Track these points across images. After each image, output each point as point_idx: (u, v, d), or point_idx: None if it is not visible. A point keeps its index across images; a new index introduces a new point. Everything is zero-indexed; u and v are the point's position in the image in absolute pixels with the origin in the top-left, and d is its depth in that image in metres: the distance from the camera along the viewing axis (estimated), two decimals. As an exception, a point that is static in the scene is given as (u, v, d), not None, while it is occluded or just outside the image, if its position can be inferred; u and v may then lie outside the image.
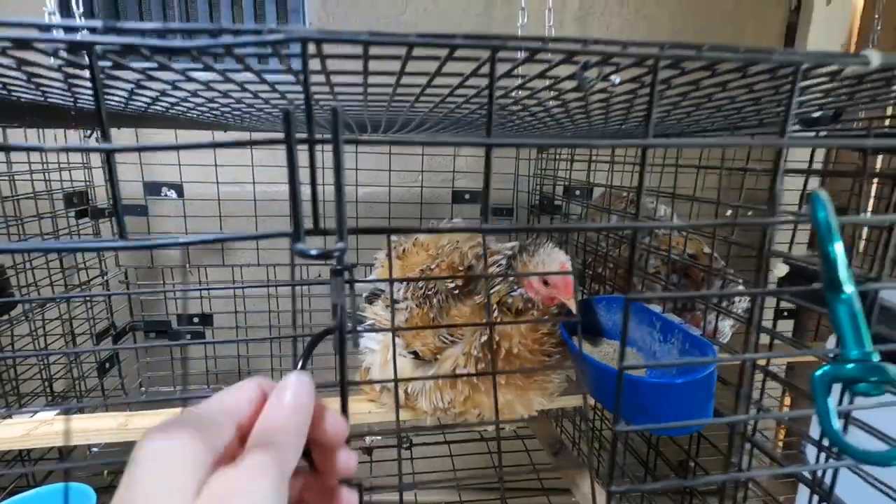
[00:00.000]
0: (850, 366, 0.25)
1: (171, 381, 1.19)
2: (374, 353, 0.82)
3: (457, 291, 0.72)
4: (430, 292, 0.76)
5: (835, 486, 0.40)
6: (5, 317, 0.80)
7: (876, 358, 0.25)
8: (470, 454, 1.03)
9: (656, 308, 0.67)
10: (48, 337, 0.92)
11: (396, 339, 0.75)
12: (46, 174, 0.92)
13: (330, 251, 0.21)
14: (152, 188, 1.09)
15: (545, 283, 0.65)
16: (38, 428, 0.73)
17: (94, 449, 0.97)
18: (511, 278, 0.67)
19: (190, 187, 1.12)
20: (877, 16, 1.36)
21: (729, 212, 0.57)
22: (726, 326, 0.81)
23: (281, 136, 0.20)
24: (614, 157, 0.84)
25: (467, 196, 1.23)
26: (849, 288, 0.25)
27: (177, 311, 1.19)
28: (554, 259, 0.65)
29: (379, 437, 1.02)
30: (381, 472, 0.97)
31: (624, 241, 0.86)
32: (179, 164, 1.09)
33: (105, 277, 1.09)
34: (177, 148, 0.22)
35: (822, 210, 0.25)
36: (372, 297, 0.87)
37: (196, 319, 1.17)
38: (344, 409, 0.28)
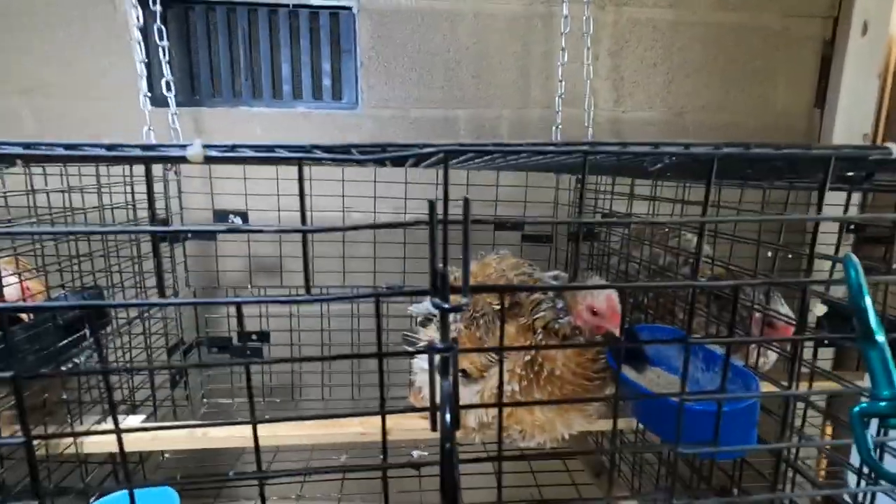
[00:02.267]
0: (883, 404, 0.29)
1: (230, 393, 1.28)
2: (426, 372, 0.88)
3: (499, 313, 0.78)
4: (476, 314, 0.83)
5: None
6: (104, 331, 0.91)
7: None
8: (513, 472, 1.07)
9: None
10: (133, 350, 1.03)
11: (448, 361, 0.81)
12: (135, 206, 1.04)
13: (458, 305, 0.27)
14: (220, 216, 1.20)
15: (593, 313, 0.71)
16: (128, 434, 0.82)
17: (166, 455, 1.07)
18: (559, 306, 0.73)
19: (254, 214, 1.22)
20: (913, 48, 1.38)
21: (769, 253, 0.61)
22: (772, 353, 0.84)
23: (425, 218, 0.27)
24: (655, 191, 0.89)
25: (508, 224, 1.29)
26: (880, 337, 0.30)
27: (237, 329, 1.29)
28: (601, 291, 0.71)
29: (426, 453, 1.07)
30: (429, 487, 1.02)
31: (662, 272, 0.91)
32: (245, 194, 1.19)
33: (178, 297, 1.19)
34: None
35: (854, 272, 0.30)
36: (425, 321, 0.93)
37: (255, 336, 1.26)
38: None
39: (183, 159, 0.26)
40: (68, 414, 0.83)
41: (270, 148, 0.26)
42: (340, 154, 0.27)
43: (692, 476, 0.74)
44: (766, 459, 0.57)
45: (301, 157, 0.26)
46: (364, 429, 0.86)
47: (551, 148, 0.28)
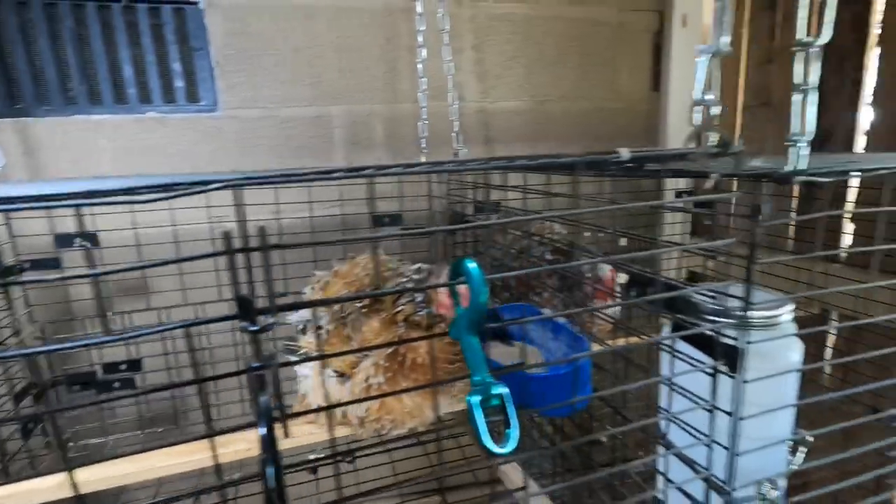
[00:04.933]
0: (479, 388, 0.36)
1: (102, 431, 1.17)
2: (309, 378, 0.89)
3: (365, 310, 0.81)
4: (343, 314, 0.85)
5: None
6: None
7: (490, 379, 0.36)
8: (408, 458, 1.11)
9: (548, 311, 0.80)
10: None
11: (326, 367, 0.83)
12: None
13: (266, 326, 0.29)
14: (63, 240, 1.08)
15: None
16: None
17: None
18: (418, 299, 0.77)
19: (106, 235, 1.11)
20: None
21: (601, 234, 0.70)
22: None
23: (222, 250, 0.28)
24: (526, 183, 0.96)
25: (387, 219, 1.32)
26: (473, 333, 0.36)
27: (101, 361, 1.17)
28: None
29: (321, 455, 1.07)
30: (326, 488, 1.03)
31: (521, 255, 1.00)
32: (92, 214, 1.08)
33: (20, 336, 1.05)
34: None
35: (475, 274, 0.36)
36: (305, 328, 0.93)
37: (124, 367, 1.16)
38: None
39: None
40: None
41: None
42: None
43: (554, 433, 0.84)
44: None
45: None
46: (248, 444, 0.84)
47: (336, 173, 0.30)
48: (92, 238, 1.09)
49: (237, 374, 0.30)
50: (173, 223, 1.13)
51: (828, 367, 1.39)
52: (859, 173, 0.42)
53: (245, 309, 0.28)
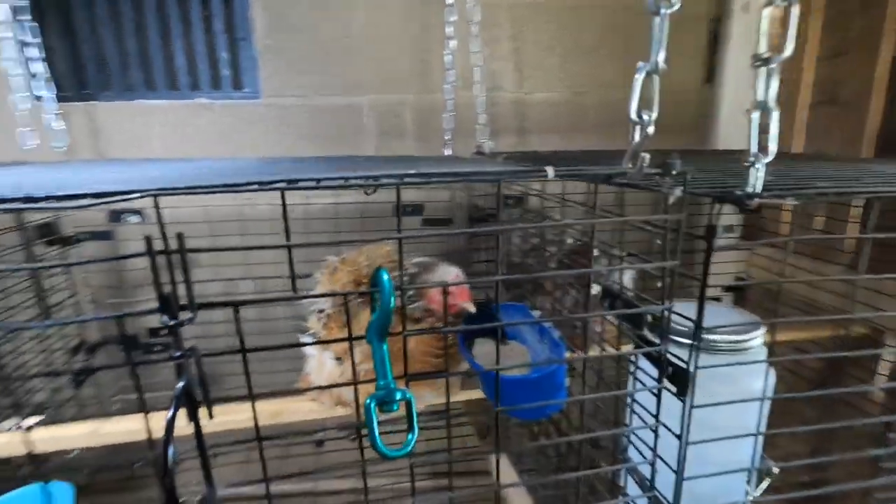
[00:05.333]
0: (381, 392, 0.37)
1: (144, 387, 1.30)
2: (313, 357, 0.95)
3: (360, 300, 0.84)
4: (342, 302, 0.89)
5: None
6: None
7: (393, 385, 0.37)
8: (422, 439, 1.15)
9: (537, 313, 0.80)
10: (28, 354, 1.04)
11: (326, 349, 0.88)
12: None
13: (181, 321, 0.33)
14: (114, 215, 1.20)
15: (445, 292, 0.78)
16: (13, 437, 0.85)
17: (74, 452, 1.09)
18: (410, 293, 0.80)
19: (152, 211, 1.22)
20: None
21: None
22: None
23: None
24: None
25: (409, 209, 1.35)
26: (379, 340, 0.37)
27: (146, 326, 1.30)
28: (449, 272, 0.78)
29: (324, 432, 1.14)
30: (330, 461, 1.10)
31: (531, 254, 0.99)
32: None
33: (76, 298, 1.19)
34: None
35: (386, 284, 0.37)
36: (315, 312, 0.99)
37: (164, 332, 1.27)
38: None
39: None
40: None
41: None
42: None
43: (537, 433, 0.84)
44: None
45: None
46: (246, 415, 0.91)
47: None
48: (139, 212, 1.20)
49: (157, 361, 0.34)
50: (205, 204, 1.22)
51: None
52: (822, 196, 0.39)
53: (165, 305, 0.32)
